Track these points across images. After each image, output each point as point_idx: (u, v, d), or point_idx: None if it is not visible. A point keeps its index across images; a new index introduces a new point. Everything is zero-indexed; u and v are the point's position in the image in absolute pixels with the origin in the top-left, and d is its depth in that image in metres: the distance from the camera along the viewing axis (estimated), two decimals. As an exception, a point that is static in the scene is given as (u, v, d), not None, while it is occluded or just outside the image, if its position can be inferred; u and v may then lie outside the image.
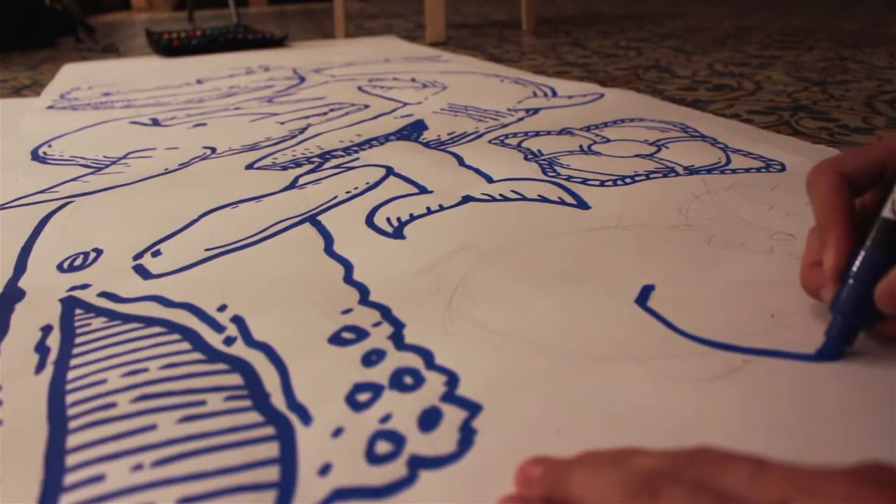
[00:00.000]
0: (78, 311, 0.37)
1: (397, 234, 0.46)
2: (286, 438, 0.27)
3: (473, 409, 0.28)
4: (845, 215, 0.31)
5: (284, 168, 0.61)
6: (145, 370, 0.31)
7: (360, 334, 0.34)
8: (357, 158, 0.63)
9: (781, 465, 0.20)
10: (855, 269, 0.30)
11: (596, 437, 0.26)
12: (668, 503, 0.19)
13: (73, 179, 0.61)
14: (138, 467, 0.25)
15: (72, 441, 0.27)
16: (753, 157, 0.59)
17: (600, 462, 0.23)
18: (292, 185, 0.56)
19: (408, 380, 0.30)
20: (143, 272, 0.42)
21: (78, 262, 0.43)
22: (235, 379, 0.31)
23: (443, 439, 0.26)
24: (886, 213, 0.30)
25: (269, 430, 0.27)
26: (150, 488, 0.24)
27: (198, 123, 0.81)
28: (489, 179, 0.56)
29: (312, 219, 0.49)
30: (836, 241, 0.31)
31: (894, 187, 0.30)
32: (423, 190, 0.54)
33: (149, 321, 0.36)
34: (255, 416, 0.28)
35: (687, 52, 1.28)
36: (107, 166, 0.65)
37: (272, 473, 0.25)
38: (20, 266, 0.43)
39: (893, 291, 0.28)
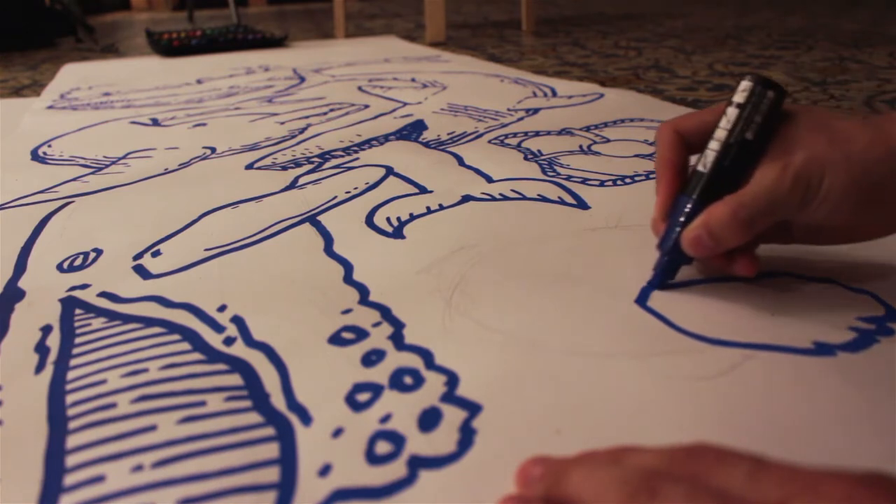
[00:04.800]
0: (78, 311, 0.37)
1: (397, 233, 0.46)
2: (286, 439, 0.27)
3: (473, 408, 0.28)
4: (673, 166, 0.36)
5: (284, 168, 0.61)
6: (145, 370, 0.31)
7: (360, 334, 0.34)
8: (357, 158, 0.63)
9: (780, 465, 0.19)
10: (670, 213, 0.36)
11: (596, 436, 0.26)
12: (667, 502, 0.19)
13: (73, 179, 0.61)
14: (138, 468, 0.25)
15: (72, 441, 0.27)
16: (753, 157, 0.59)
17: (598, 461, 0.23)
18: (292, 186, 0.56)
19: (408, 380, 0.30)
20: (143, 272, 0.42)
21: (78, 262, 0.43)
22: (235, 379, 0.31)
23: (443, 439, 0.26)
24: (699, 166, 0.35)
25: (270, 431, 0.27)
26: (151, 489, 0.24)
27: (198, 123, 0.81)
28: (489, 179, 0.56)
29: (312, 219, 0.49)
30: (661, 188, 0.37)
31: (708, 144, 0.35)
32: (422, 190, 0.54)
33: (149, 321, 0.36)
34: (255, 417, 0.28)
35: (687, 52, 1.28)
36: (107, 166, 0.65)
37: (272, 474, 0.25)
38: (20, 266, 0.43)
39: (693, 237, 0.34)
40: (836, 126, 0.33)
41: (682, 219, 0.35)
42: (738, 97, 0.34)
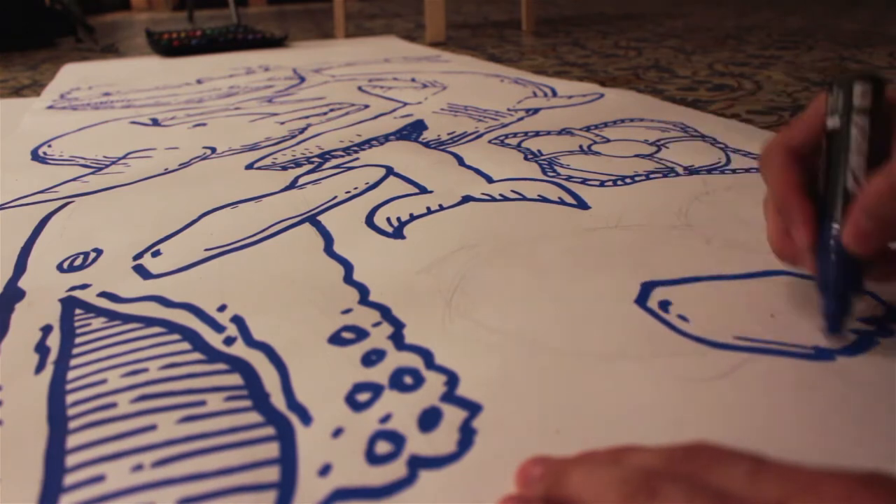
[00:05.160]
0: (78, 311, 0.37)
1: (397, 233, 0.46)
2: (286, 438, 0.27)
3: (473, 408, 0.28)
4: (802, 192, 0.32)
5: (284, 168, 0.61)
6: (145, 370, 0.31)
7: (360, 334, 0.34)
8: (357, 158, 0.63)
9: (780, 465, 0.19)
10: (832, 244, 0.30)
11: (596, 436, 0.26)
12: (666, 502, 0.19)
13: (73, 179, 0.61)
14: (138, 468, 0.25)
15: (72, 441, 0.27)
16: (753, 156, 0.59)
17: (598, 461, 0.23)
18: (292, 186, 0.56)
19: (408, 380, 0.30)
20: (143, 272, 0.42)
21: (78, 262, 0.43)
22: (235, 379, 0.31)
23: (443, 439, 0.26)
24: (848, 184, 0.31)
25: (269, 431, 0.27)
26: (151, 489, 0.24)
27: (198, 123, 0.81)
28: (489, 179, 0.56)
29: (312, 219, 0.49)
30: (802, 218, 0.31)
31: (849, 159, 0.31)
32: (422, 190, 0.54)
33: (149, 321, 0.36)
34: (255, 417, 0.28)
35: (687, 52, 1.28)
36: (107, 166, 0.65)
37: (272, 474, 0.25)
38: (20, 266, 0.43)
39: (854, 232, 0.29)
40: None
41: (832, 242, 0.30)
42: (861, 101, 0.31)
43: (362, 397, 0.29)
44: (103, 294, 0.39)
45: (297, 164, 0.62)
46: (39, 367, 0.32)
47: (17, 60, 1.55)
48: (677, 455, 0.21)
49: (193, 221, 0.49)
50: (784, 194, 0.32)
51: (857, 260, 0.30)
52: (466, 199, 0.51)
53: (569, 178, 0.55)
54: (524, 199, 0.51)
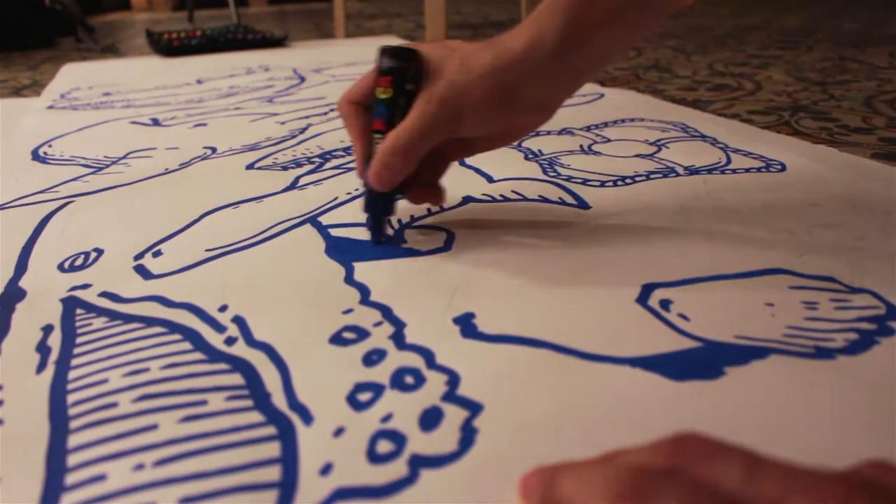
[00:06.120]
0: (79, 310, 0.37)
1: (398, 234, 0.46)
2: (287, 438, 0.27)
3: (474, 408, 0.28)
4: (361, 131, 0.42)
5: (285, 168, 0.61)
6: (146, 370, 0.31)
7: (361, 334, 0.34)
8: (357, 158, 0.63)
9: (775, 462, 0.19)
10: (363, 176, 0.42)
11: (596, 436, 0.26)
12: (659, 499, 0.18)
13: (74, 179, 0.61)
14: (140, 467, 0.25)
15: (73, 441, 0.27)
16: (754, 157, 0.59)
17: (589, 463, 0.23)
18: (293, 186, 0.56)
19: (409, 379, 0.30)
20: (143, 272, 0.42)
21: (79, 261, 0.43)
22: (236, 379, 0.31)
23: (444, 438, 0.26)
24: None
25: (271, 430, 0.27)
26: (152, 488, 0.24)
27: (198, 123, 0.81)
28: (489, 179, 0.56)
29: (313, 219, 0.49)
30: (357, 156, 0.43)
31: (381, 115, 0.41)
32: (423, 190, 0.54)
33: (150, 321, 0.36)
34: (256, 416, 0.28)
35: (687, 52, 1.28)
36: (107, 166, 0.65)
37: (273, 473, 0.25)
38: (21, 266, 0.43)
39: (372, 173, 0.40)
40: (464, 52, 0.40)
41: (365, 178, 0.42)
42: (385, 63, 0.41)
43: (363, 397, 0.29)
44: (104, 294, 0.39)
45: (298, 165, 0.62)
46: (41, 367, 0.32)
47: (17, 60, 1.55)
48: (667, 450, 0.21)
49: (194, 221, 0.50)
50: (351, 136, 0.43)
51: (385, 194, 0.42)
52: (467, 199, 0.52)
53: (569, 179, 0.55)
54: (525, 199, 0.51)
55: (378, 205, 0.43)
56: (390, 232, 0.45)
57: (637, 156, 0.61)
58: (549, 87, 0.40)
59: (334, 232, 0.46)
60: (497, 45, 0.39)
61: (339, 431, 0.27)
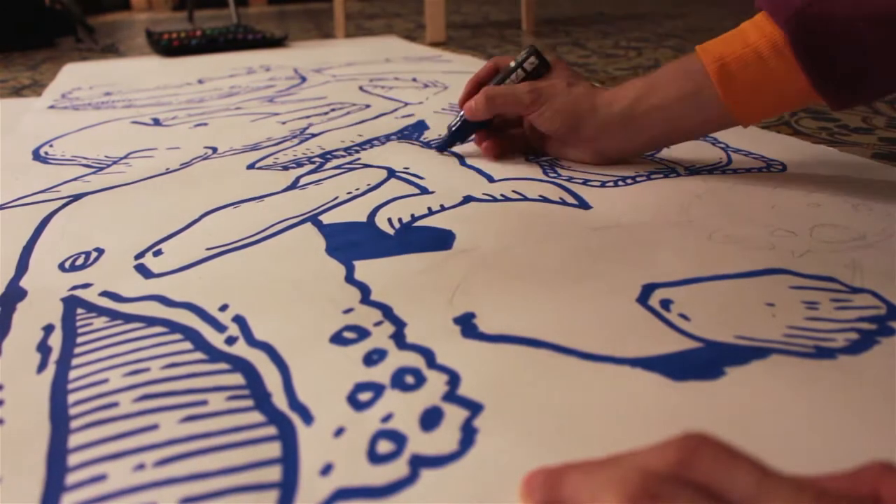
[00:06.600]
0: (80, 310, 0.37)
1: (399, 234, 0.46)
2: (288, 438, 0.27)
3: (475, 408, 0.28)
4: (478, 79, 0.62)
5: (286, 168, 0.61)
6: (147, 370, 0.31)
7: (362, 334, 0.34)
8: (358, 158, 0.63)
9: (785, 474, 0.19)
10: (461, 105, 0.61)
11: (597, 436, 0.26)
12: (668, 502, 0.18)
13: (75, 179, 0.61)
14: (140, 467, 0.25)
15: (74, 440, 0.27)
16: (754, 157, 0.59)
17: (596, 463, 0.22)
18: (293, 186, 0.56)
19: (409, 379, 0.30)
20: (144, 272, 0.42)
21: (79, 261, 0.44)
22: (237, 379, 0.31)
23: (444, 438, 0.26)
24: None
25: (271, 430, 0.27)
26: (152, 488, 0.24)
27: (199, 123, 0.81)
28: (490, 179, 0.56)
29: (314, 219, 0.49)
30: (466, 88, 0.62)
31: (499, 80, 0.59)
32: (424, 190, 0.54)
33: (150, 321, 0.36)
34: (256, 416, 0.28)
35: (687, 52, 1.28)
36: (108, 166, 0.65)
37: (274, 473, 0.25)
38: (22, 266, 0.43)
39: (466, 105, 0.59)
40: (575, 78, 0.57)
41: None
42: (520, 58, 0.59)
43: (364, 397, 0.29)
44: (105, 293, 0.39)
45: (299, 164, 0.62)
46: (41, 367, 0.32)
47: (17, 60, 1.55)
48: (676, 451, 0.20)
49: (195, 221, 0.50)
50: (471, 79, 0.63)
51: (471, 124, 0.60)
52: (468, 199, 0.52)
53: (570, 179, 0.55)
54: (525, 199, 0.51)
55: (459, 128, 0.61)
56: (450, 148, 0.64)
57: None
58: (608, 136, 0.55)
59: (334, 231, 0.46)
60: (593, 90, 0.55)
61: (339, 431, 0.27)
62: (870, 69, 0.44)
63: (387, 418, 0.28)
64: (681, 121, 0.52)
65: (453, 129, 0.61)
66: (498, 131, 0.61)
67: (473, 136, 0.62)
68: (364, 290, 0.38)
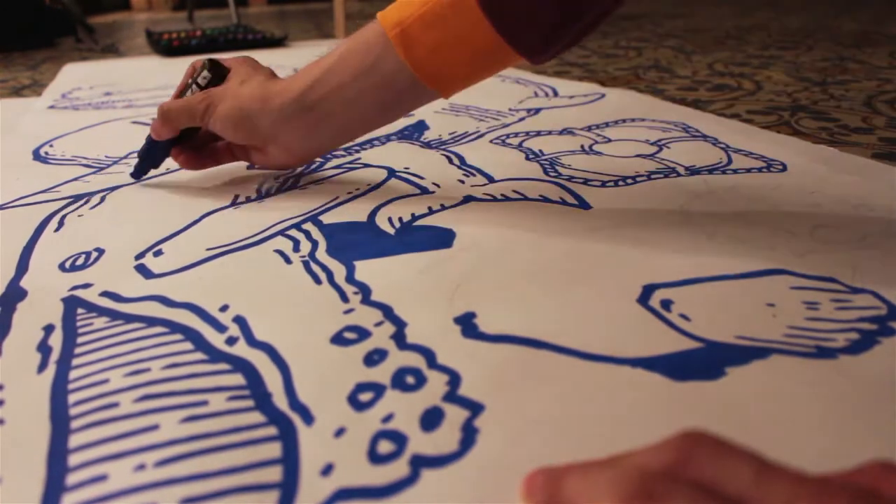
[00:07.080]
0: (80, 310, 0.37)
1: (399, 233, 0.46)
2: (288, 438, 0.27)
3: (475, 408, 0.28)
4: (176, 93, 0.55)
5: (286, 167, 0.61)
6: (147, 370, 0.31)
7: (362, 334, 0.34)
8: (358, 158, 0.63)
9: (784, 468, 0.19)
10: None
11: (597, 436, 0.26)
12: (667, 502, 0.18)
13: (75, 179, 0.61)
14: (141, 467, 0.25)
15: (74, 441, 0.27)
16: (755, 157, 0.59)
17: (595, 464, 0.23)
18: (294, 186, 0.56)
19: (410, 379, 0.30)
20: (144, 272, 0.42)
21: (80, 261, 0.43)
22: (238, 379, 0.31)
23: (445, 438, 0.26)
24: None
25: (272, 431, 0.27)
26: (153, 488, 0.24)
27: (198, 123, 0.81)
28: (490, 179, 0.56)
29: (314, 219, 0.49)
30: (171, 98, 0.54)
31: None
32: (424, 190, 0.54)
33: (151, 321, 0.36)
34: (257, 417, 0.28)
35: (687, 52, 1.28)
36: (108, 166, 0.65)
37: (274, 474, 0.25)
38: (22, 266, 0.43)
39: (153, 127, 0.54)
40: (253, 73, 0.51)
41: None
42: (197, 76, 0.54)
43: (364, 397, 0.29)
44: (105, 293, 0.39)
45: (298, 164, 0.62)
46: (42, 367, 0.32)
47: (17, 60, 1.55)
48: (675, 448, 0.20)
49: (195, 221, 0.49)
50: (173, 94, 0.55)
51: (162, 143, 0.54)
52: (468, 198, 0.52)
53: (570, 179, 0.55)
54: (525, 199, 0.51)
55: (148, 150, 0.56)
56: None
57: (638, 156, 0.61)
58: (287, 132, 0.49)
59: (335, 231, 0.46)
60: (276, 82, 0.49)
61: (340, 432, 0.27)
62: (548, 6, 0.41)
63: (387, 418, 0.28)
64: (364, 102, 0.46)
65: (141, 153, 0.56)
66: (204, 144, 0.56)
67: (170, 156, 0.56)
68: (364, 290, 0.38)
